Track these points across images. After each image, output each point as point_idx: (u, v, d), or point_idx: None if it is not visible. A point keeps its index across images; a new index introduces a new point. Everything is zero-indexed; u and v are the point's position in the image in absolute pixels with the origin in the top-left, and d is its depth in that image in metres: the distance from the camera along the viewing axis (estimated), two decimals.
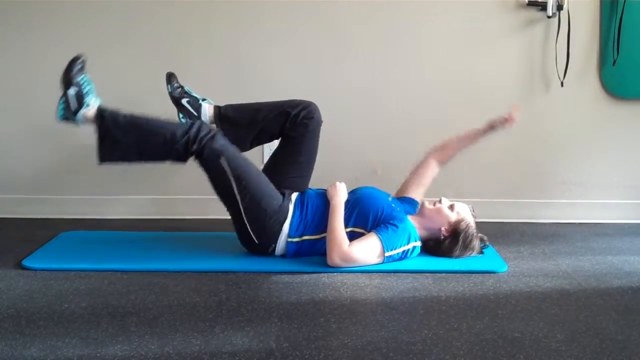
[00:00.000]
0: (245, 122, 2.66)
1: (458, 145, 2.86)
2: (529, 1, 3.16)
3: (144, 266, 2.45)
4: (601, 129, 3.29)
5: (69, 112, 2.48)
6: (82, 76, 2.49)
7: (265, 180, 2.54)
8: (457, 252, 2.56)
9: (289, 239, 2.52)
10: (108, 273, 2.38)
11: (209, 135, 2.47)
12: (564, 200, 3.30)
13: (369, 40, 3.22)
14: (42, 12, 3.17)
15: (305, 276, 2.38)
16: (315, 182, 2.70)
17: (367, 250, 2.44)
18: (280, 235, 2.52)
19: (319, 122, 2.68)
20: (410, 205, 2.71)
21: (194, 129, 2.46)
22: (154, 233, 2.93)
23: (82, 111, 2.47)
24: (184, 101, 2.64)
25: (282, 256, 2.56)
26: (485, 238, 2.67)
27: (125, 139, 2.47)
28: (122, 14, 3.18)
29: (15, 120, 3.25)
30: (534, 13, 3.19)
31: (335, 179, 2.75)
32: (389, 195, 2.68)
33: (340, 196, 2.55)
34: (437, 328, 1.94)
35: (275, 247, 2.54)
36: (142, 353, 1.75)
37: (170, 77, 2.67)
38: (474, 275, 2.42)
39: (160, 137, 2.47)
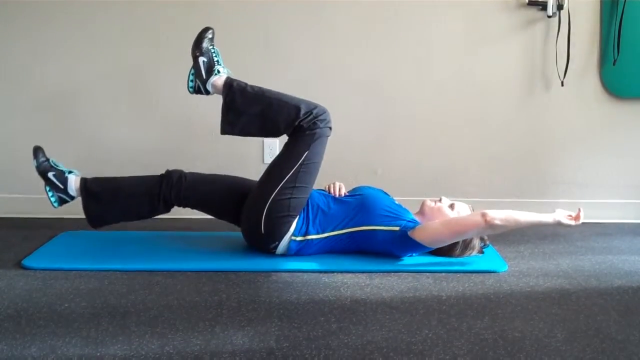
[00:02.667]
0: (109, 198, 2.62)
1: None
2: (529, 1, 3.16)
3: (144, 266, 2.45)
4: (601, 128, 3.29)
5: (200, 80, 2.54)
6: (212, 46, 2.57)
7: (310, 189, 2.56)
8: (457, 252, 2.56)
9: (292, 237, 2.52)
10: (108, 273, 2.38)
11: (321, 128, 2.51)
12: (564, 200, 3.30)
13: (369, 40, 3.22)
14: (43, 11, 3.16)
15: (306, 276, 2.38)
16: (315, 182, 2.70)
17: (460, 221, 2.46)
18: (286, 235, 2.52)
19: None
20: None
21: (316, 110, 2.50)
22: (154, 233, 2.93)
23: (212, 79, 2.54)
24: (50, 174, 2.61)
25: (283, 255, 2.55)
26: (485, 238, 2.66)
27: (249, 110, 2.52)
28: (122, 13, 3.18)
29: (15, 120, 3.25)
30: (534, 13, 3.19)
31: (335, 179, 2.76)
32: (388, 194, 2.68)
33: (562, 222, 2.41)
34: (437, 328, 1.94)
35: (277, 244, 2.53)
36: (142, 353, 1.75)
37: (37, 152, 2.63)
38: (474, 275, 2.42)
39: (284, 111, 2.50)
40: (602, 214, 3.30)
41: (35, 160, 2.62)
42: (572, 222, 2.39)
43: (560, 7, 3.15)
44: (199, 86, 2.57)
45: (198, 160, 3.21)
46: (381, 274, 2.42)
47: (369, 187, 2.71)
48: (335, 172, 2.92)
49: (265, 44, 3.21)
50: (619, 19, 3.14)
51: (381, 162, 3.29)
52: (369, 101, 3.27)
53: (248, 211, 2.55)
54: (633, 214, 3.31)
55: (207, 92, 2.58)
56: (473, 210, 2.63)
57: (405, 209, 2.59)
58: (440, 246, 2.50)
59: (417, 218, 2.60)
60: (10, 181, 3.29)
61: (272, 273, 2.40)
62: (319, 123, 2.50)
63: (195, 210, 3.06)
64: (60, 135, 3.25)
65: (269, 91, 2.56)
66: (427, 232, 2.45)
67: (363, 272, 2.42)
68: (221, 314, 2.02)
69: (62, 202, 2.65)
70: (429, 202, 2.63)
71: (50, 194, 2.62)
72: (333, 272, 2.41)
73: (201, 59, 2.54)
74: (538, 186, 3.32)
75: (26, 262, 2.47)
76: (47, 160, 2.64)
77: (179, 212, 3.27)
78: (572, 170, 3.32)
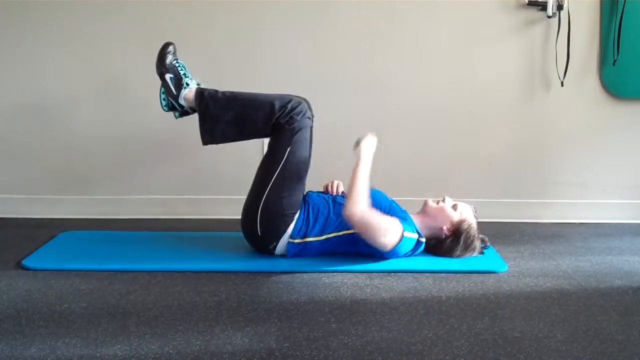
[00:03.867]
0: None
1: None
2: (529, 1, 3.16)
3: (144, 266, 2.45)
4: (601, 129, 3.29)
5: (171, 97, 2.54)
6: (176, 60, 2.57)
7: (302, 185, 2.56)
8: (457, 252, 2.56)
9: (290, 240, 2.52)
10: (108, 273, 2.38)
11: (299, 122, 2.49)
12: (564, 200, 3.30)
13: (368, 40, 3.22)
14: (43, 11, 3.17)
15: (305, 276, 2.38)
16: (314, 182, 2.70)
17: (386, 222, 2.42)
18: (283, 235, 2.52)
19: (310, 116, 2.67)
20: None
21: (290, 104, 2.49)
22: (154, 233, 2.93)
23: (183, 93, 2.54)
24: (168, 77, 2.63)
25: (282, 256, 2.55)
26: (486, 239, 2.67)
27: (226, 116, 2.52)
28: (123, 13, 3.18)
29: (15, 120, 3.25)
30: (534, 13, 3.19)
31: (334, 179, 2.75)
32: (387, 196, 2.68)
33: (371, 150, 2.52)
34: (437, 328, 1.94)
35: (276, 245, 2.53)
36: (142, 353, 1.75)
37: (166, 48, 2.64)
38: (474, 275, 2.42)
39: (260, 110, 2.51)
40: (602, 215, 3.30)
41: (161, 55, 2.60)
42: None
43: (560, 7, 3.15)
44: (171, 103, 2.56)
45: (197, 160, 3.22)
46: (381, 274, 2.42)
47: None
48: (335, 173, 2.91)
49: (265, 44, 3.21)
50: (618, 20, 3.14)
51: (381, 162, 3.29)
52: (369, 101, 3.27)
53: (245, 213, 2.56)
54: (633, 215, 3.31)
55: (182, 107, 2.57)
56: (476, 211, 2.64)
57: (403, 210, 2.58)
58: (381, 246, 2.43)
59: (418, 218, 2.60)
60: (10, 181, 3.29)
61: (272, 273, 2.40)
62: (296, 116, 2.49)
63: (195, 211, 3.08)
64: (61, 135, 3.25)
65: (241, 93, 2.56)
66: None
67: (363, 272, 2.42)
68: (221, 315, 2.02)
69: (172, 108, 2.63)
70: (431, 202, 2.62)
71: (162, 97, 2.62)
72: (333, 272, 2.41)
73: (168, 76, 2.54)
74: (538, 186, 3.32)
75: (26, 262, 2.47)
76: (175, 59, 2.63)
77: (179, 212, 3.29)
78: (572, 170, 3.32)
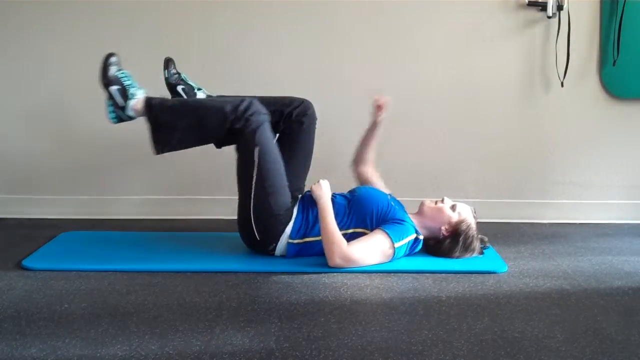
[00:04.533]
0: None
1: (366, 149, 2.84)
2: (529, 1, 3.16)
3: (144, 266, 2.45)
4: (601, 129, 3.29)
5: (119, 110, 2.50)
6: (119, 70, 2.52)
7: (284, 181, 2.53)
8: (457, 253, 2.56)
9: (290, 241, 2.52)
10: (108, 273, 2.38)
11: (256, 121, 2.46)
12: (564, 201, 3.30)
13: (368, 39, 3.22)
14: (43, 11, 3.17)
15: (306, 276, 2.38)
16: (314, 182, 2.70)
17: (372, 247, 2.43)
18: (282, 236, 2.52)
19: (313, 119, 2.68)
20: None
21: (242, 107, 2.46)
22: (154, 233, 2.93)
23: (130, 104, 2.49)
24: (179, 88, 2.64)
25: (282, 256, 2.55)
26: (485, 239, 2.67)
27: (180, 123, 2.48)
28: (123, 12, 3.18)
29: (15, 120, 3.25)
30: (534, 13, 3.19)
31: (334, 179, 2.75)
32: (388, 195, 2.67)
33: (326, 194, 2.52)
34: (437, 328, 1.94)
35: (275, 246, 2.53)
36: (142, 353, 1.75)
37: (168, 63, 2.66)
38: (474, 275, 2.42)
39: (211, 115, 2.48)
40: (602, 215, 3.30)
41: (166, 71, 2.63)
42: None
43: (560, 7, 3.15)
44: (119, 115, 2.52)
45: (197, 160, 3.21)
46: (381, 274, 2.42)
47: (364, 187, 2.71)
48: (336, 173, 2.92)
49: (264, 44, 3.21)
50: (618, 20, 3.14)
51: (381, 163, 3.28)
52: (369, 101, 3.26)
53: (239, 222, 2.56)
54: (632, 215, 3.31)
55: (131, 118, 2.53)
56: (475, 212, 2.63)
57: (401, 210, 2.58)
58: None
59: (416, 218, 2.60)
60: (10, 181, 3.29)
61: (272, 274, 2.40)
62: (251, 117, 2.46)
63: (195, 211, 3.08)
64: (60, 135, 3.25)
65: (191, 100, 2.54)
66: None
67: (363, 272, 2.42)
68: (221, 315, 2.02)
69: None
70: (429, 203, 2.62)
71: (109, 109, 2.59)
72: (333, 272, 2.41)
73: (113, 88, 2.48)
74: (538, 186, 3.32)
75: (26, 262, 2.47)
76: (179, 73, 2.65)
77: (179, 212, 3.28)
78: (572, 170, 3.31)
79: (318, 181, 2.57)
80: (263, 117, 2.50)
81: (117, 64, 2.52)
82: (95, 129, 3.25)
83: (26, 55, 3.20)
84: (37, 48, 3.19)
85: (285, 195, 2.52)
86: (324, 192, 2.52)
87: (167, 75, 2.65)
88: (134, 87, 2.51)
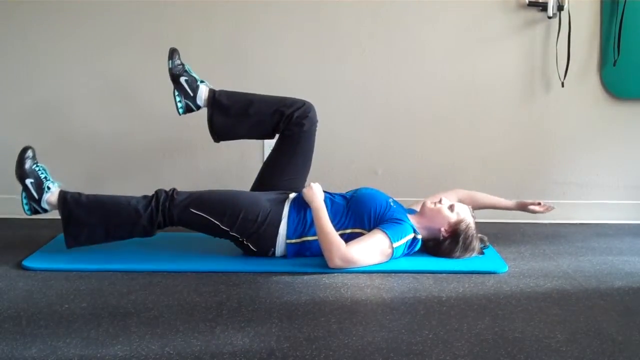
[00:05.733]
0: (235, 112, 2.65)
1: (481, 205, 2.86)
2: (529, 1, 3.16)
3: (144, 266, 2.45)
4: (601, 129, 3.29)
5: (34, 202, 2.52)
6: (35, 164, 2.55)
7: (241, 196, 2.53)
8: (457, 253, 2.56)
9: (288, 241, 2.52)
10: (108, 273, 2.38)
11: (168, 200, 2.48)
12: (564, 201, 3.30)
13: (369, 39, 3.22)
14: (43, 11, 3.17)
15: (306, 276, 2.38)
16: (313, 182, 2.69)
17: (371, 247, 2.42)
18: (277, 238, 2.51)
19: (314, 122, 2.68)
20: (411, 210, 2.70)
21: (154, 201, 2.48)
22: None
23: (45, 197, 2.51)
24: (182, 79, 2.64)
25: (283, 257, 2.55)
26: (485, 239, 2.67)
27: (90, 219, 2.49)
28: (123, 12, 3.18)
29: (15, 120, 3.25)
30: (534, 13, 3.19)
31: (335, 179, 2.76)
32: (389, 197, 2.67)
33: (319, 197, 2.51)
34: (437, 328, 1.94)
35: (274, 250, 2.53)
36: (142, 353, 1.75)
37: (173, 53, 2.67)
38: (474, 275, 2.42)
39: (124, 213, 2.48)
40: (602, 215, 3.30)
41: (170, 61, 2.63)
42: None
43: (560, 7, 3.15)
44: (34, 207, 2.53)
45: (197, 160, 3.21)
46: (381, 274, 2.41)
47: (365, 188, 2.70)
48: (336, 173, 2.92)
49: (264, 44, 3.21)
50: (619, 20, 3.14)
51: (381, 163, 3.29)
52: (369, 101, 3.27)
53: (234, 242, 2.56)
54: (633, 214, 3.31)
55: (45, 211, 2.54)
56: (473, 212, 2.63)
57: (401, 211, 2.57)
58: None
59: (415, 219, 2.60)
60: (10, 181, 3.27)
61: (273, 274, 2.40)
62: (168, 207, 2.47)
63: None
64: (60, 135, 3.25)
65: (104, 197, 2.54)
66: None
67: (363, 272, 2.42)
68: (221, 315, 2.02)
69: (188, 109, 2.66)
70: (429, 204, 2.62)
71: (178, 99, 2.63)
72: (333, 272, 2.41)
73: (28, 181, 2.51)
74: (538, 186, 3.32)
75: (26, 262, 2.47)
76: (183, 64, 2.65)
77: None
78: (572, 170, 3.32)
79: (310, 184, 2.56)
80: (169, 194, 2.50)
81: (33, 157, 2.55)
82: (96, 129, 3.26)
83: (26, 55, 3.20)
84: (38, 47, 3.19)
85: (255, 203, 2.51)
86: (315, 194, 2.51)
87: (171, 66, 2.66)
88: (49, 180, 2.54)
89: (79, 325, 1.93)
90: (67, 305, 2.08)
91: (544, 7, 3.16)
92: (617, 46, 3.15)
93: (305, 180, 2.72)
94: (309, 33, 3.22)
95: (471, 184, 3.28)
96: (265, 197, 2.55)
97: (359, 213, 2.53)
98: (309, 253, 2.53)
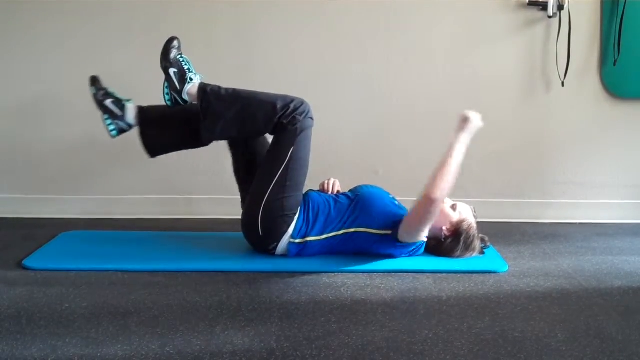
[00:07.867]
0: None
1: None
2: (529, 1, 3.16)
3: (145, 266, 2.45)
4: (601, 129, 3.29)
5: (175, 92, 2.54)
6: (179, 54, 2.56)
7: (302, 185, 2.55)
8: (458, 253, 2.56)
9: (291, 240, 2.52)
10: (108, 273, 2.38)
11: (303, 115, 2.49)
12: (565, 200, 3.30)
13: (369, 39, 3.22)
14: (43, 11, 3.16)
15: (306, 276, 2.38)
16: (313, 181, 2.70)
17: (431, 220, 2.44)
18: (284, 236, 2.52)
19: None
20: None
21: (292, 105, 2.49)
22: (154, 233, 2.93)
23: (187, 88, 2.53)
24: (108, 102, 2.64)
25: (283, 256, 2.55)
26: (486, 239, 2.67)
27: (227, 113, 2.51)
28: (123, 12, 3.18)
29: (14, 120, 3.25)
30: (534, 13, 3.19)
31: (332, 177, 2.75)
32: (389, 194, 2.67)
33: (474, 127, 2.48)
34: (437, 328, 1.94)
35: (277, 245, 2.53)
36: (142, 353, 1.75)
37: (94, 81, 2.67)
38: (474, 275, 2.42)
39: (262, 109, 2.50)
40: (603, 214, 3.30)
41: (92, 88, 2.64)
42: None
43: (560, 7, 3.15)
44: (175, 98, 2.56)
45: (197, 159, 3.21)
46: (381, 274, 2.42)
47: (368, 186, 2.71)
48: (336, 173, 2.91)
49: (264, 43, 3.21)
50: (619, 20, 3.14)
51: (382, 162, 3.29)
52: (370, 101, 3.27)
53: (246, 211, 2.55)
54: (633, 214, 3.31)
55: (185, 102, 2.56)
56: (475, 211, 2.64)
57: (404, 209, 2.58)
58: (415, 236, 2.47)
59: None
60: (10, 181, 3.29)
61: (273, 273, 2.40)
62: (298, 117, 2.49)
63: (195, 211, 3.06)
64: (60, 135, 3.25)
65: (244, 91, 2.55)
66: (403, 227, 2.45)
67: (363, 272, 2.42)
68: (222, 315, 2.02)
69: (120, 131, 2.67)
70: None
71: (108, 122, 2.64)
72: (333, 272, 2.41)
73: (172, 70, 2.53)
74: (538, 186, 3.32)
75: (26, 262, 2.47)
76: (105, 89, 2.66)
77: (179, 212, 3.28)
78: (572, 170, 3.32)
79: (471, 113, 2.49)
80: (309, 122, 2.53)
81: (178, 48, 2.57)
82: (96, 129, 3.25)
83: (26, 54, 3.20)
84: (37, 47, 3.19)
85: (298, 198, 2.53)
86: (473, 123, 2.49)
87: (94, 93, 2.65)
88: (192, 72, 2.56)
89: (79, 324, 1.94)
90: (67, 305, 2.08)
91: (544, 7, 3.16)
92: (617, 46, 3.15)
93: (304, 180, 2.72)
94: (308, 33, 3.22)
95: (471, 184, 3.29)
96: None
97: (367, 211, 2.52)
98: (310, 253, 2.54)
